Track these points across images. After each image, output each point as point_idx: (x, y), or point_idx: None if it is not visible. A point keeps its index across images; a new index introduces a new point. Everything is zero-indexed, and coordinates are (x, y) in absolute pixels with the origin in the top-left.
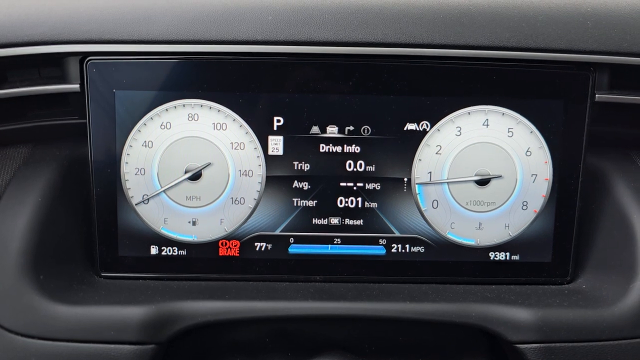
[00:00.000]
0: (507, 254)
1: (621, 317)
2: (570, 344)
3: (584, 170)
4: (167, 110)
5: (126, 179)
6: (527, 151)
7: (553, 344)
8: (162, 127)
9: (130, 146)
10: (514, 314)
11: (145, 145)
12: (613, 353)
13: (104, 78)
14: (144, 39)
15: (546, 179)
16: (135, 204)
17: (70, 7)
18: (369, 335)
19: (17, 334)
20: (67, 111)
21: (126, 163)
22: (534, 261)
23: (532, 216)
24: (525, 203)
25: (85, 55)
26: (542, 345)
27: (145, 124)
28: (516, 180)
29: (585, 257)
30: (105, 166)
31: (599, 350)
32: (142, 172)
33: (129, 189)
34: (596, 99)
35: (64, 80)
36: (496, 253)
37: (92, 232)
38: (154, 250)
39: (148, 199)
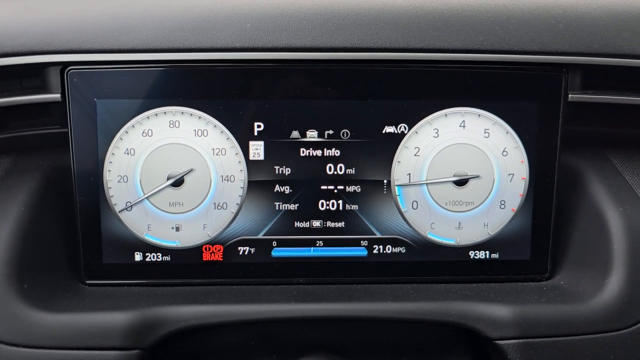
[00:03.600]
0: (487, 252)
1: (597, 311)
2: (549, 339)
3: (560, 169)
4: (148, 117)
5: (109, 186)
6: (504, 151)
7: (532, 340)
8: (144, 134)
9: (113, 154)
10: (493, 311)
11: (128, 153)
12: (590, 347)
13: (85, 87)
14: (123, 48)
15: (523, 178)
16: (119, 211)
17: (50, 17)
18: (353, 336)
19: (2, 342)
20: (49, 121)
21: (109, 171)
22: (513, 259)
23: (510, 215)
24: (503, 202)
25: (65, 65)
26: (521, 341)
27: (127, 132)
28: (493, 180)
29: (563, 254)
30: (87, 174)
31: (577, 344)
32: (125, 180)
33: (112, 196)
34: (569, 99)
35: (45, 90)
36: (476, 252)
37: (76, 240)
38: (138, 256)
39: (131, 206)
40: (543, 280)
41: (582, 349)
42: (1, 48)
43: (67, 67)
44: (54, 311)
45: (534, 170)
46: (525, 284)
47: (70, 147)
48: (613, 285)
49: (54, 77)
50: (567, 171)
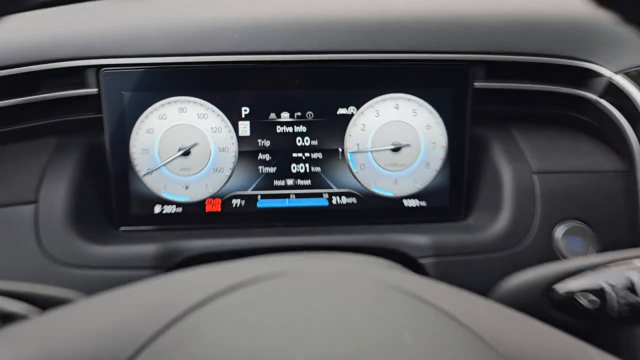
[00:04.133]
0: (416, 201)
1: (490, 238)
2: (455, 257)
3: (471, 138)
4: (162, 105)
5: (134, 157)
6: (428, 126)
7: (443, 257)
8: (160, 117)
9: (136, 133)
10: (417, 239)
11: (148, 132)
12: (483, 262)
13: (115, 83)
14: (142, 54)
15: (443, 146)
16: (142, 176)
17: (87, 30)
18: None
19: (67, 265)
20: (87, 109)
21: (134, 145)
22: (436, 206)
23: (434, 174)
24: (428, 164)
25: (100, 67)
26: (435, 259)
27: (147, 116)
28: (420, 147)
29: (473, 201)
30: (118, 148)
31: (474, 260)
32: (146, 152)
33: (137, 164)
34: (475, 87)
35: (84, 86)
36: (408, 201)
37: (110, 198)
38: (157, 209)
39: (151, 172)
40: (458, 221)
41: (478, 264)
42: (54, 55)
43: (101, 68)
44: (100, 244)
45: (451, 140)
46: (444, 223)
47: (105, 128)
48: (502, 220)
49: (91, 76)
50: (477, 139)
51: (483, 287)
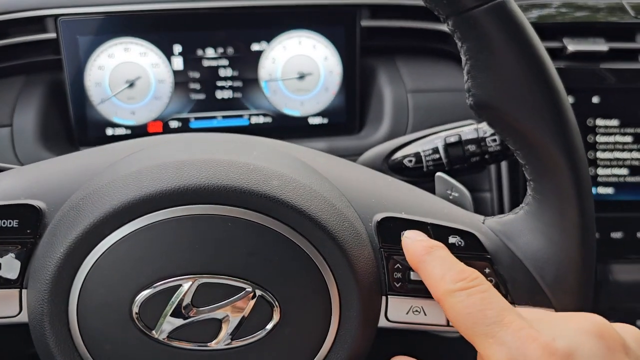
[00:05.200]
0: (320, 118)
1: (373, 142)
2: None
3: (362, 68)
4: (111, 46)
5: (89, 89)
6: (326, 58)
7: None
8: (109, 56)
9: (90, 69)
10: (319, 145)
11: (100, 68)
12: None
13: (71, 29)
14: (94, 3)
15: (338, 74)
16: (96, 105)
17: None
18: None
19: None
20: (48, 51)
21: (88, 80)
22: (336, 122)
23: (332, 96)
24: (327, 88)
25: (57, 15)
26: None
27: (98, 55)
28: (320, 75)
29: (365, 118)
30: (75, 83)
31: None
32: (99, 85)
33: (91, 95)
34: (362, 25)
35: (45, 32)
36: (313, 118)
37: (72, 123)
38: (109, 131)
39: (104, 101)
40: (354, 134)
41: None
42: (18, 6)
43: (58, 17)
44: None
45: (345, 68)
46: (344, 136)
47: (64, 67)
48: (383, 129)
49: (50, 23)
50: (367, 68)
51: None
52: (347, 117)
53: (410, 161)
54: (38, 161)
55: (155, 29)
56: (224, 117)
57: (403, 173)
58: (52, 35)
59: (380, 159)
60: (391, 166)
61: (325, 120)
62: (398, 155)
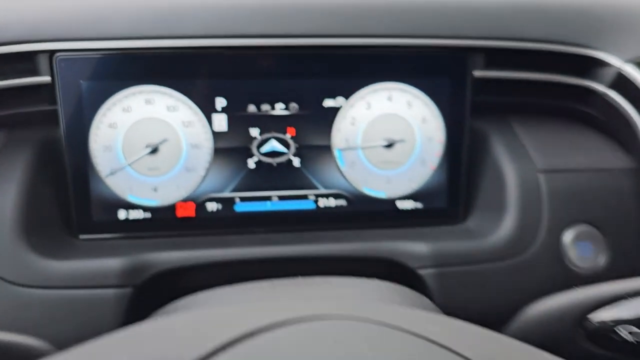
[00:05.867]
0: (411, 202)
1: (494, 245)
2: (457, 268)
3: (469, 133)
4: (126, 96)
5: (95, 155)
6: (424, 119)
7: (443, 268)
8: (124, 110)
9: (97, 127)
10: (414, 247)
11: (110, 127)
12: (489, 272)
13: (71, 71)
14: (104, 37)
15: (440, 141)
16: (105, 177)
17: (38, 10)
18: (303, 272)
19: (16, 284)
20: (40, 100)
21: (94, 142)
22: (433, 207)
23: (430, 172)
24: (424, 161)
25: (53, 52)
26: (435, 269)
27: (109, 109)
28: (416, 143)
29: (473, 202)
30: (76, 145)
31: (479, 270)
32: (109, 149)
33: (98, 164)
34: (475, 76)
35: (36, 73)
36: (402, 202)
37: (68, 202)
38: (122, 214)
39: (115, 172)
40: (457, 224)
41: (483, 274)
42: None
43: (54, 53)
44: (56, 258)
45: (449, 134)
46: (442, 227)
47: (61, 122)
48: (506, 224)
49: (43, 62)
50: (476, 134)
51: (489, 301)
52: (448, 202)
53: (633, 332)
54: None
55: (191, 73)
56: (280, 198)
57: (616, 349)
58: (46, 78)
59: (569, 318)
60: (591, 334)
61: (419, 205)
62: (603, 316)
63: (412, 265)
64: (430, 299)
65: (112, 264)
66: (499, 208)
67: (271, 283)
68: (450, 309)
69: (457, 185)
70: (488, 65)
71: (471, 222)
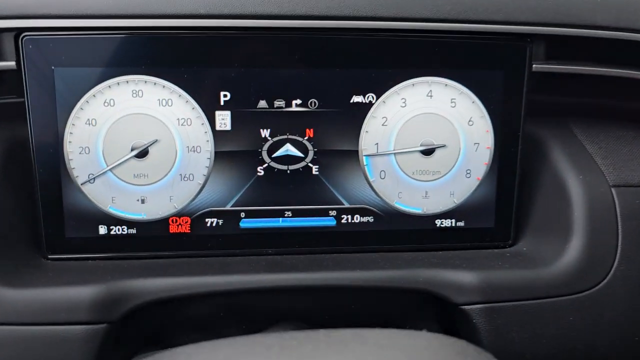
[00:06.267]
0: (453, 220)
1: (557, 275)
2: (512, 303)
3: (524, 138)
4: (109, 87)
5: (70, 158)
6: (470, 121)
7: (495, 304)
8: (106, 104)
9: (73, 125)
10: (458, 277)
11: (89, 124)
12: (551, 309)
13: (42, 55)
14: (82, 14)
15: (488, 148)
16: (81, 184)
17: None
18: (321, 304)
19: None
20: (4, 90)
21: (69, 142)
22: (478, 227)
23: (476, 183)
24: (468, 171)
25: (20, 30)
26: (485, 305)
27: (87, 102)
28: (459, 149)
29: (526, 221)
30: (47, 146)
31: (538, 307)
32: (87, 151)
33: (74, 168)
34: (533, 69)
35: None
36: (442, 220)
37: (37, 214)
38: (102, 229)
39: (94, 178)
40: (506, 247)
41: (543, 312)
42: None
43: (21, 33)
44: (16, 286)
45: (499, 139)
46: (489, 250)
47: (28, 117)
48: (572, 250)
49: (7, 43)
50: (530, 140)
51: (552, 345)
52: (497, 220)
53: None
54: None
55: (188, 60)
56: (295, 213)
57: None
58: (10, 63)
59: None
60: None
61: (462, 223)
62: None
63: (456, 300)
64: (478, 341)
65: (84, 293)
66: (562, 229)
67: (281, 337)
68: (503, 355)
69: (508, 201)
70: (549, 57)
71: (524, 246)
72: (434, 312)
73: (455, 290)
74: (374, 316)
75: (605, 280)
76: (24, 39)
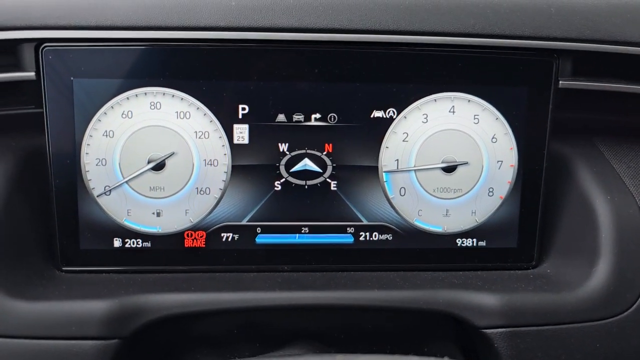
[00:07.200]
0: (474, 240)
1: (584, 300)
2: (536, 328)
3: (549, 156)
4: (128, 98)
5: (87, 170)
6: (493, 138)
7: (519, 328)
8: (124, 116)
9: (90, 136)
10: (480, 299)
11: (106, 135)
12: (576, 335)
13: (61, 66)
14: (102, 25)
15: (511, 166)
16: (97, 196)
17: None
18: (338, 324)
19: None
20: (23, 100)
21: (86, 154)
22: (500, 247)
23: (498, 202)
24: (491, 189)
25: (40, 41)
26: (508, 329)
27: (105, 113)
28: (482, 166)
29: (550, 242)
30: (64, 157)
31: (563, 333)
32: (104, 163)
33: (90, 180)
34: (560, 86)
35: (18, 68)
36: (463, 239)
37: (52, 226)
38: (117, 242)
39: (110, 190)
40: (530, 269)
41: (569, 338)
42: None
43: (42, 44)
44: (29, 299)
45: (523, 157)
46: (512, 272)
47: (46, 128)
48: (600, 274)
49: (27, 54)
50: (555, 158)
51: None
52: (520, 240)
53: None
54: None
55: (207, 73)
56: (312, 229)
57: None
58: (30, 74)
59: None
60: None
61: (483, 243)
62: None
63: (477, 324)
64: None
65: (96, 307)
66: (588, 252)
67: None
68: None
69: (532, 221)
70: (575, 73)
71: (548, 268)
72: (453, 334)
73: (476, 312)
74: (391, 337)
75: (634, 306)
76: (44, 49)
